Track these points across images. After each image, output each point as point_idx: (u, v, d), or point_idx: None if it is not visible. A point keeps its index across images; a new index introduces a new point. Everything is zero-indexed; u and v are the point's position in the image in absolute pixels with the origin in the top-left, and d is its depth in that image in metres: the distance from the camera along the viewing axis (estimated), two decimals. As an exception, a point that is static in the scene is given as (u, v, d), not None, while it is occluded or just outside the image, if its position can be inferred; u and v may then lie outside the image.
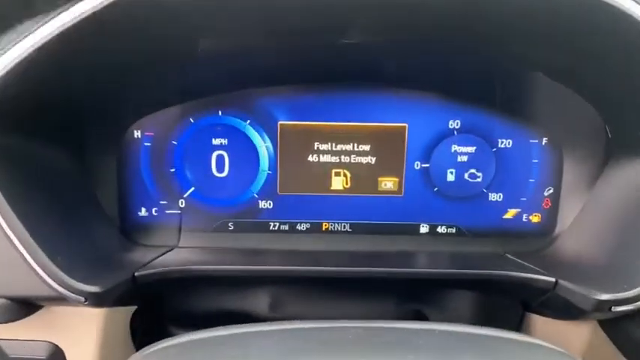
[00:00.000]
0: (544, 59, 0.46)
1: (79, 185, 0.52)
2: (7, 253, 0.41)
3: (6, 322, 0.44)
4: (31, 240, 0.41)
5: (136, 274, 0.47)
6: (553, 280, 0.47)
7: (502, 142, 0.56)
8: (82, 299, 0.42)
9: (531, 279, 0.48)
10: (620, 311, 0.43)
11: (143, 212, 0.56)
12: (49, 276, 0.41)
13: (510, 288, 0.50)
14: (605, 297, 0.43)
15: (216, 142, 0.55)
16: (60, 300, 0.43)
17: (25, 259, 0.41)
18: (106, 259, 0.48)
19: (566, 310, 0.47)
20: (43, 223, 0.43)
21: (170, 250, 0.54)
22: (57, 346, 0.48)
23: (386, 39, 0.43)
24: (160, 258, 0.51)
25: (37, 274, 0.41)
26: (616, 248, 0.48)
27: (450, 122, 0.55)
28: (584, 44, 0.41)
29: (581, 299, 0.44)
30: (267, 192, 0.57)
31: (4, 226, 0.41)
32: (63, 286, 0.41)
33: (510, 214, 0.57)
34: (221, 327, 0.38)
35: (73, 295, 0.41)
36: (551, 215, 0.57)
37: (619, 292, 0.43)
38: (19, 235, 0.41)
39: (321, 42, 0.44)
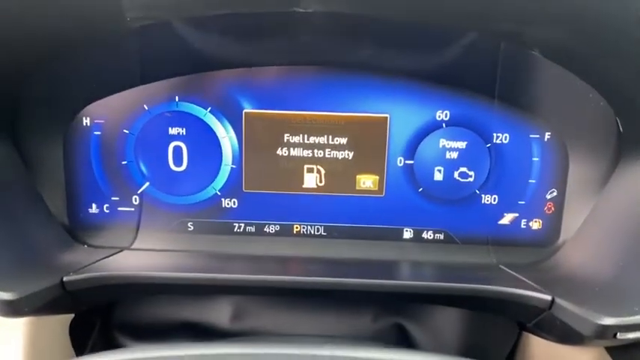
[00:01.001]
0: (540, 35, 0.39)
1: (18, 178, 0.46)
2: None
3: None
4: None
5: (64, 279, 0.41)
6: (549, 298, 0.40)
7: (498, 137, 0.49)
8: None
9: (525, 296, 0.41)
10: (627, 339, 0.36)
11: (93, 209, 0.51)
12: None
13: (502, 305, 0.43)
14: (609, 322, 0.36)
15: (173, 131, 0.49)
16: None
17: None
18: (35, 261, 0.43)
19: (564, 334, 0.40)
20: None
21: (119, 252, 0.49)
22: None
23: (351, 9, 0.37)
24: (102, 261, 0.45)
25: None
26: (626, 263, 0.41)
27: (438, 113, 0.49)
28: (588, 21, 0.34)
29: (581, 322, 0.37)
30: (231, 189, 0.51)
31: None
32: None
33: (507, 219, 0.51)
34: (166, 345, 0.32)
35: None
36: (555, 222, 0.50)
37: (626, 316, 0.35)
38: None
39: (273, 10, 0.38)
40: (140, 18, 0.37)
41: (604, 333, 0.36)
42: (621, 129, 0.44)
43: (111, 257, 0.47)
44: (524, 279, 0.44)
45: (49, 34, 0.38)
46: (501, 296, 0.43)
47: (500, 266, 0.49)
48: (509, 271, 0.47)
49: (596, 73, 0.41)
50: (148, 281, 0.44)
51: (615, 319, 0.36)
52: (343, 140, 0.50)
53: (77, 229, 0.51)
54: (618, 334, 0.37)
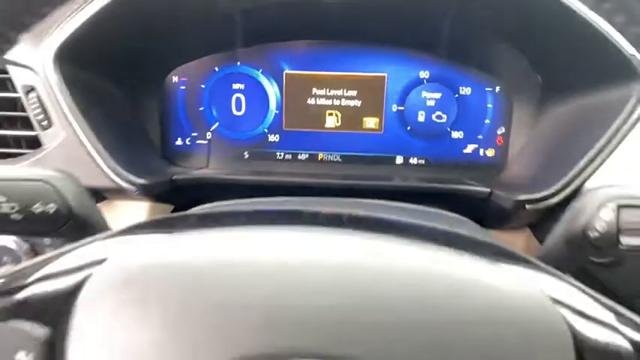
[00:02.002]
0: (495, 24, 0.60)
1: (132, 116, 0.68)
2: (81, 155, 0.58)
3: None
4: (98, 145, 0.57)
5: (173, 177, 0.62)
6: (489, 190, 0.61)
7: (463, 90, 0.69)
8: (134, 189, 0.58)
9: (474, 190, 0.62)
10: (531, 209, 0.56)
11: (179, 141, 0.72)
12: (111, 170, 0.57)
13: (460, 200, 0.64)
14: (521, 197, 0.56)
15: (235, 86, 0.70)
16: (118, 191, 0.59)
17: (93, 159, 0.57)
18: (151, 166, 0.64)
19: (499, 215, 0.61)
20: (106, 135, 0.59)
21: (199, 170, 0.70)
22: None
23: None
24: (192, 172, 0.67)
25: (102, 169, 0.57)
26: (543, 168, 0.61)
27: (421, 73, 0.69)
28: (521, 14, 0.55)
29: (505, 201, 0.58)
30: (274, 128, 0.72)
31: (80, 134, 0.57)
32: (121, 178, 0.57)
33: (469, 149, 0.71)
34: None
35: (128, 185, 0.57)
36: (503, 150, 0.70)
37: (531, 194, 0.56)
38: (91, 141, 0.57)
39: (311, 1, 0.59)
40: (227, 7, 0.58)
41: (518, 205, 0.57)
42: (542, 83, 0.64)
43: (197, 171, 0.68)
44: (475, 183, 0.65)
45: (164, 21, 0.60)
46: (459, 192, 0.63)
47: (463, 180, 0.69)
48: (469, 181, 0.68)
49: (521, 44, 0.61)
50: (225, 182, 0.65)
51: (525, 196, 0.56)
52: (354, 93, 0.70)
53: (168, 156, 0.72)
54: (527, 205, 0.57)
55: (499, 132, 0.70)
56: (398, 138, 0.70)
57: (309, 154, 0.72)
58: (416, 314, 0.27)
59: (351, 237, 0.33)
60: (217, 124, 0.71)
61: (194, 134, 0.72)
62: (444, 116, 0.69)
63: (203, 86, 0.70)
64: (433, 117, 0.70)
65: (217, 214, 0.38)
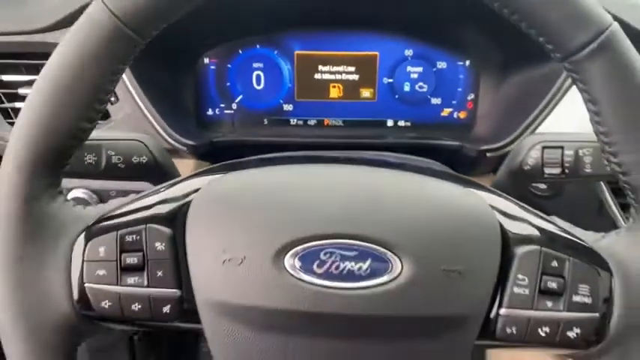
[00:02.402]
0: (462, 11, 0.76)
1: (174, 92, 0.84)
2: (143, 124, 0.74)
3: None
4: (156, 115, 0.73)
5: (213, 139, 0.79)
6: (460, 143, 0.79)
7: (439, 64, 0.85)
8: (185, 149, 0.74)
9: (448, 144, 0.79)
10: (491, 156, 0.74)
11: (210, 112, 0.88)
12: (168, 135, 0.73)
13: (439, 152, 0.81)
14: (483, 148, 0.74)
15: (255, 65, 0.86)
16: (172, 152, 0.75)
17: (153, 126, 0.73)
18: (193, 131, 0.81)
19: (468, 163, 0.79)
20: (159, 107, 0.74)
21: (229, 134, 0.87)
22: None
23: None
24: (226, 135, 0.84)
25: (160, 134, 0.73)
26: (501, 126, 0.79)
27: (406, 51, 0.85)
28: None
29: (472, 151, 0.75)
30: (288, 99, 0.87)
31: (142, 107, 0.73)
32: (175, 141, 0.73)
33: (446, 112, 0.87)
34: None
35: (180, 146, 0.74)
36: (473, 112, 0.87)
37: (491, 145, 0.74)
38: (150, 112, 0.73)
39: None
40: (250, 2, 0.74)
41: (481, 154, 0.74)
42: (502, 58, 0.81)
43: (227, 135, 0.85)
44: (450, 139, 0.82)
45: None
46: (438, 146, 0.80)
47: (440, 137, 0.86)
48: (445, 137, 0.85)
49: (485, 27, 0.78)
50: (254, 142, 0.82)
51: (487, 146, 0.74)
52: (352, 68, 0.86)
53: (202, 124, 0.89)
54: (487, 154, 0.74)
55: (469, 98, 0.87)
56: (388, 105, 0.87)
57: (317, 120, 0.88)
58: (404, 208, 0.43)
59: (362, 169, 0.50)
60: (241, 96, 0.87)
61: (222, 105, 0.88)
62: (425, 86, 0.86)
63: (229, 66, 0.86)
64: (416, 87, 0.86)
65: (269, 157, 0.54)
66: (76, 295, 0.44)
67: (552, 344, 0.44)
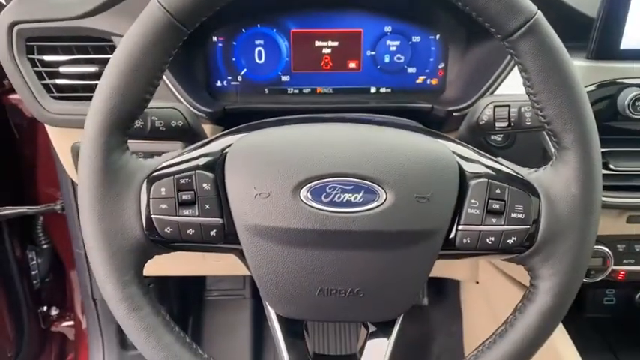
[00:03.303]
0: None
1: (189, 66, 0.97)
2: (169, 95, 0.88)
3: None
4: (179, 87, 0.87)
5: (226, 107, 0.94)
6: (431, 105, 0.94)
7: (414, 39, 0.98)
8: (204, 116, 0.89)
9: (422, 106, 0.94)
10: (457, 115, 0.89)
11: (218, 83, 1.02)
12: (189, 104, 0.87)
13: (414, 113, 0.96)
14: (450, 108, 0.90)
15: (257, 42, 0.98)
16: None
17: (177, 97, 0.87)
18: (207, 101, 0.95)
19: (438, 122, 0.94)
20: (180, 81, 0.89)
21: (235, 102, 1.01)
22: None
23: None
24: (233, 103, 0.98)
25: (184, 103, 0.87)
26: (466, 90, 0.94)
27: (385, 28, 0.98)
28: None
29: (441, 112, 0.91)
30: (286, 71, 0.99)
31: (167, 81, 0.87)
32: (193, 107, 0.87)
33: (420, 79, 1.01)
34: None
35: (200, 113, 0.88)
36: (443, 79, 1.01)
37: (457, 106, 0.90)
38: (174, 85, 0.87)
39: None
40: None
41: (448, 114, 0.90)
42: (466, 32, 0.96)
43: (234, 103, 0.99)
44: (423, 102, 0.97)
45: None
46: (413, 108, 0.95)
47: (415, 100, 1.01)
48: (419, 101, 1.00)
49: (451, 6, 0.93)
50: (258, 109, 0.96)
51: (453, 107, 0.90)
52: (340, 43, 1.00)
53: (212, 94, 1.02)
54: (454, 113, 0.90)
55: (440, 66, 1.01)
56: (371, 74, 1.01)
57: (311, 88, 1.02)
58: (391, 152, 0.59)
59: (355, 126, 0.65)
60: (245, 69, 1.01)
61: (229, 77, 1.01)
62: (402, 57, 1.00)
63: (234, 43, 0.99)
64: (395, 58, 1.00)
65: (282, 119, 0.69)
66: (145, 224, 0.59)
67: (496, 250, 0.60)
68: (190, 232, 0.59)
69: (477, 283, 1.27)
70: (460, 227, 0.58)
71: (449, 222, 0.60)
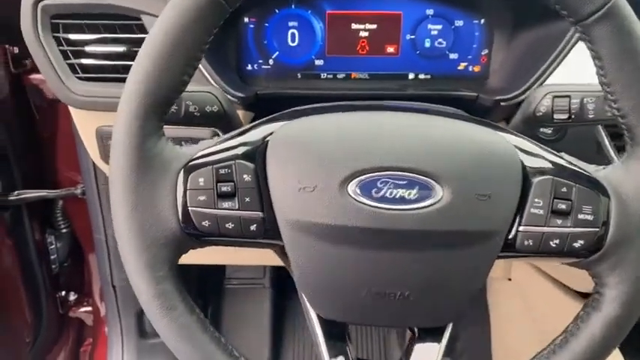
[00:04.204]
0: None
1: (220, 49, 0.92)
2: (202, 79, 0.83)
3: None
4: (212, 72, 0.83)
5: (257, 92, 0.89)
6: (476, 94, 0.89)
7: (457, 23, 0.93)
8: (236, 100, 0.84)
9: (465, 95, 0.89)
10: (505, 105, 0.84)
11: (249, 67, 0.97)
12: (220, 87, 0.83)
13: (456, 102, 0.91)
14: (497, 98, 0.84)
15: (290, 24, 0.93)
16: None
17: (211, 83, 0.83)
18: (239, 84, 0.90)
19: (483, 112, 0.89)
20: (213, 66, 0.84)
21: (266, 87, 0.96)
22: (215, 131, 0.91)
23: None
24: (265, 88, 0.93)
25: (213, 86, 0.83)
26: (513, 78, 0.89)
27: (426, 10, 0.92)
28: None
29: (487, 101, 0.86)
30: (320, 54, 0.94)
31: (200, 67, 0.82)
32: (226, 92, 0.83)
33: (462, 66, 0.96)
34: None
35: (232, 98, 0.84)
36: (486, 66, 0.96)
37: (505, 95, 0.84)
38: (207, 70, 0.82)
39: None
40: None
41: (496, 104, 0.84)
42: (513, 17, 0.91)
43: (266, 88, 0.95)
44: (466, 90, 0.92)
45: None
46: (455, 96, 0.90)
47: (457, 88, 0.96)
48: (462, 89, 0.95)
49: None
50: (289, 94, 0.92)
51: (500, 97, 0.84)
52: (378, 26, 0.94)
53: (242, 78, 0.98)
54: (501, 102, 0.85)
55: (483, 53, 0.96)
56: (410, 59, 0.96)
57: (345, 74, 0.98)
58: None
59: (407, 115, 0.61)
60: (277, 52, 0.96)
61: (260, 61, 0.97)
62: (444, 42, 0.95)
63: (266, 25, 0.94)
64: (436, 43, 0.95)
65: (324, 106, 0.64)
66: (181, 217, 0.55)
67: (561, 254, 0.56)
68: (229, 226, 0.56)
69: (509, 280, 1.22)
70: (521, 228, 0.53)
71: (509, 222, 0.55)
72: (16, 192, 1.22)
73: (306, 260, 0.56)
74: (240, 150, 0.54)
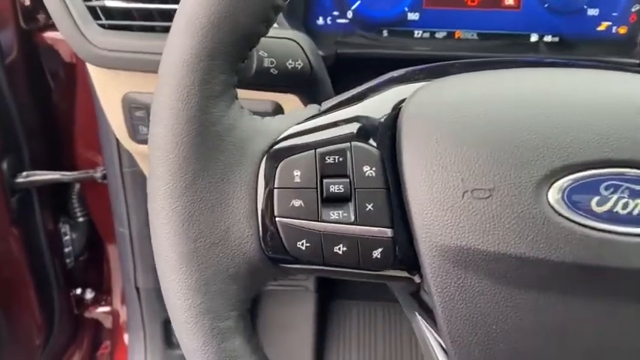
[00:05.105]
0: None
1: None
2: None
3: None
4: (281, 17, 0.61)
5: (338, 50, 0.67)
6: (638, 61, 0.66)
7: None
8: None
9: (621, 62, 0.67)
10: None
11: (320, 21, 0.75)
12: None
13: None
14: None
15: None
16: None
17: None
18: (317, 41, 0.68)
19: None
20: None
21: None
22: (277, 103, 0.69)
23: None
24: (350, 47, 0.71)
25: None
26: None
27: None
28: None
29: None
30: (415, 6, 0.73)
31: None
32: None
33: (603, 26, 0.73)
34: None
35: None
36: (636, 27, 0.73)
37: None
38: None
39: None
40: None
41: None
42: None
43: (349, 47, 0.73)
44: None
45: None
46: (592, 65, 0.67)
47: (594, 57, 0.73)
48: (601, 58, 0.72)
49: None
50: (371, 55, 0.71)
51: None
52: (496, -30, 0.72)
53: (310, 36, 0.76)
54: None
55: (633, 9, 0.72)
56: (535, 15, 0.73)
57: (447, 32, 0.75)
58: None
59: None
60: (358, 2, 0.74)
61: (335, 13, 0.75)
62: (581, -7, 0.72)
63: (348, -31, 0.72)
64: (571, -6, 0.72)
65: (476, 62, 0.42)
66: (261, 233, 0.34)
67: None
68: (339, 250, 0.34)
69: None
70: None
71: None
72: (24, 173, 1.04)
73: (467, 312, 0.34)
74: (355, 126, 0.34)
